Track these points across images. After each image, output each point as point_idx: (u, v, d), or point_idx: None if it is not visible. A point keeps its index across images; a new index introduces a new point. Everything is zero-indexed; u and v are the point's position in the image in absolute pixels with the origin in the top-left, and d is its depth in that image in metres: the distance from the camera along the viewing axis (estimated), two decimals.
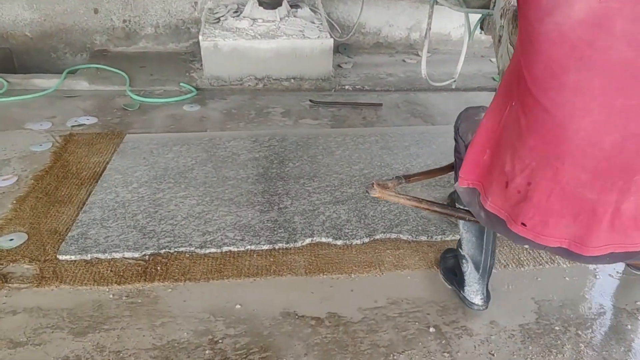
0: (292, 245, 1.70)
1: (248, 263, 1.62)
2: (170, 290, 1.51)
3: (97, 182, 2.03)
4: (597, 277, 1.61)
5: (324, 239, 1.73)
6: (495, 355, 1.31)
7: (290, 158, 2.24)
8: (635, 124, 0.95)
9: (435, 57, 3.64)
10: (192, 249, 1.66)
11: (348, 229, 1.77)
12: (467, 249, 1.45)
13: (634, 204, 1.02)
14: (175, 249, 1.66)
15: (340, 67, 3.47)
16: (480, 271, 1.44)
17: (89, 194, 1.95)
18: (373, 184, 1.52)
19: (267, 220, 1.81)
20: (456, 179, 1.50)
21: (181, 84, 3.10)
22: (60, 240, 1.69)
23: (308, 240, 1.72)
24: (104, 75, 3.14)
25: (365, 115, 2.79)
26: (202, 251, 1.66)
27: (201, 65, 3.32)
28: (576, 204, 1.04)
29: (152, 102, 2.86)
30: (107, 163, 2.17)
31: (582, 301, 1.51)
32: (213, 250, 1.67)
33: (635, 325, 1.44)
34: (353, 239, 1.73)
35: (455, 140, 1.54)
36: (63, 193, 1.95)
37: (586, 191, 1.03)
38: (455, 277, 1.53)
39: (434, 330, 1.38)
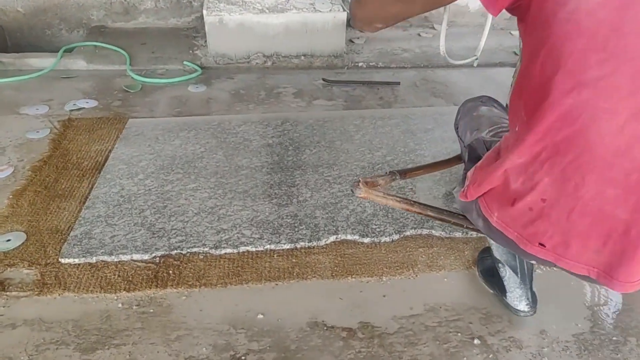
0: (315, 243, 1.56)
1: (268, 265, 1.48)
2: (184, 297, 1.38)
3: (99, 173, 1.87)
4: None
5: (349, 237, 1.58)
6: None
7: (307, 144, 2.08)
8: None
9: (452, 30, 3.43)
10: (206, 249, 1.52)
11: (375, 225, 1.62)
12: (499, 254, 1.31)
13: None
14: (188, 250, 1.52)
15: (352, 42, 3.27)
16: (520, 275, 1.30)
17: (92, 186, 1.80)
18: (359, 181, 1.36)
19: (286, 215, 1.66)
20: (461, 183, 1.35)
21: (185, 62, 2.92)
22: (62, 241, 1.55)
23: (332, 238, 1.58)
24: (103, 53, 2.95)
25: (382, 95, 2.61)
26: (217, 252, 1.52)
27: (205, 41, 3.13)
28: (605, 223, 0.88)
29: (155, 83, 2.68)
30: (110, 151, 2.01)
31: None
32: (229, 250, 1.52)
33: None
34: (381, 236, 1.58)
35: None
36: (63, 186, 1.80)
37: (616, 209, 0.86)
38: (495, 279, 1.39)
39: (478, 342, 1.25)
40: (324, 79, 2.76)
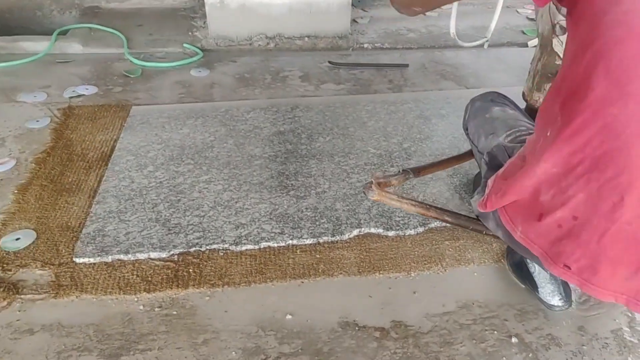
0: (338, 238, 1.51)
1: (292, 261, 1.43)
2: (207, 298, 1.32)
3: (106, 165, 1.80)
4: None
5: (373, 230, 1.53)
6: None
7: (320, 131, 2.01)
8: None
9: (458, 8, 3.35)
10: (226, 245, 1.46)
11: (398, 217, 1.57)
12: None
13: None
14: (207, 247, 1.46)
15: (356, 22, 3.18)
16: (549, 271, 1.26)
17: (100, 179, 1.72)
18: (372, 182, 1.28)
19: (306, 208, 1.61)
20: (479, 189, 1.28)
21: (185, 45, 2.81)
22: (74, 239, 1.48)
23: (355, 232, 1.53)
24: (98, 36, 2.83)
25: (391, 78, 2.54)
26: (238, 248, 1.46)
27: (204, 22, 3.02)
28: (639, 249, 0.82)
29: (155, 67, 2.58)
30: (115, 141, 1.93)
31: None
32: (250, 247, 1.47)
33: None
34: (406, 228, 1.53)
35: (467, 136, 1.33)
36: (70, 179, 1.73)
37: None
38: (525, 273, 1.35)
39: (516, 340, 1.22)
40: (330, 62, 2.68)
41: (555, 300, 1.28)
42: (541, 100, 1.67)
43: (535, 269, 1.29)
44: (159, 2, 3.30)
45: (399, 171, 1.48)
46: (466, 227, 1.40)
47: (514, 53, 2.85)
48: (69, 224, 1.54)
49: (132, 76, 2.47)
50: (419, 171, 1.53)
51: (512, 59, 2.75)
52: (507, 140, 1.23)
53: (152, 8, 3.27)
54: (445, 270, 1.41)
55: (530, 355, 1.18)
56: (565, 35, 1.64)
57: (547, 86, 1.68)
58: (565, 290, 1.30)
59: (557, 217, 0.87)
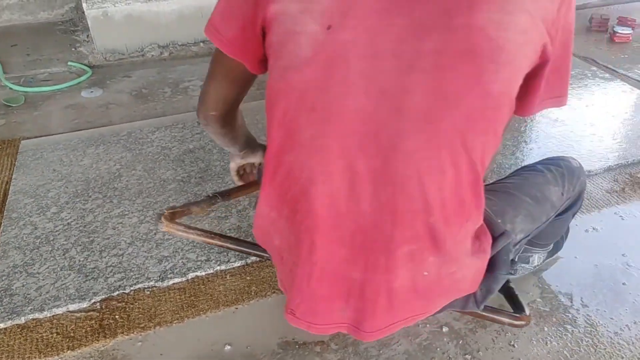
0: (267, 255, 1.50)
1: (223, 288, 1.41)
2: (139, 343, 1.27)
3: (1, 212, 1.65)
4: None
5: None
6: (516, 345, 1.25)
7: None
8: (384, 191, 0.75)
9: None
10: (152, 283, 1.41)
11: None
12: None
13: (407, 276, 0.84)
14: (131, 288, 1.39)
15: None
16: None
17: None
18: (164, 213, 1.22)
19: (229, 229, 1.58)
20: None
21: (70, 63, 2.63)
22: None
23: None
24: None
25: None
26: (165, 284, 1.41)
27: (87, 36, 2.85)
28: (343, 284, 0.85)
29: (40, 92, 2.39)
30: (8, 184, 1.77)
31: (574, 262, 1.49)
32: (177, 280, 1.42)
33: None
34: None
35: None
36: None
37: (350, 269, 0.84)
38: None
39: (447, 329, 1.29)
40: None
41: None
42: None
43: None
44: (31, 17, 3.05)
45: (207, 196, 1.38)
46: (248, 254, 1.36)
47: None
48: None
49: (13, 105, 2.28)
50: (228, 194, 1.42)
51: None
52: None
53: (25, 24, 3.01)
54: None
55: (460, 341, 1.26)
56: None
57: None
58: None
59: (287, 259, 0.89)
